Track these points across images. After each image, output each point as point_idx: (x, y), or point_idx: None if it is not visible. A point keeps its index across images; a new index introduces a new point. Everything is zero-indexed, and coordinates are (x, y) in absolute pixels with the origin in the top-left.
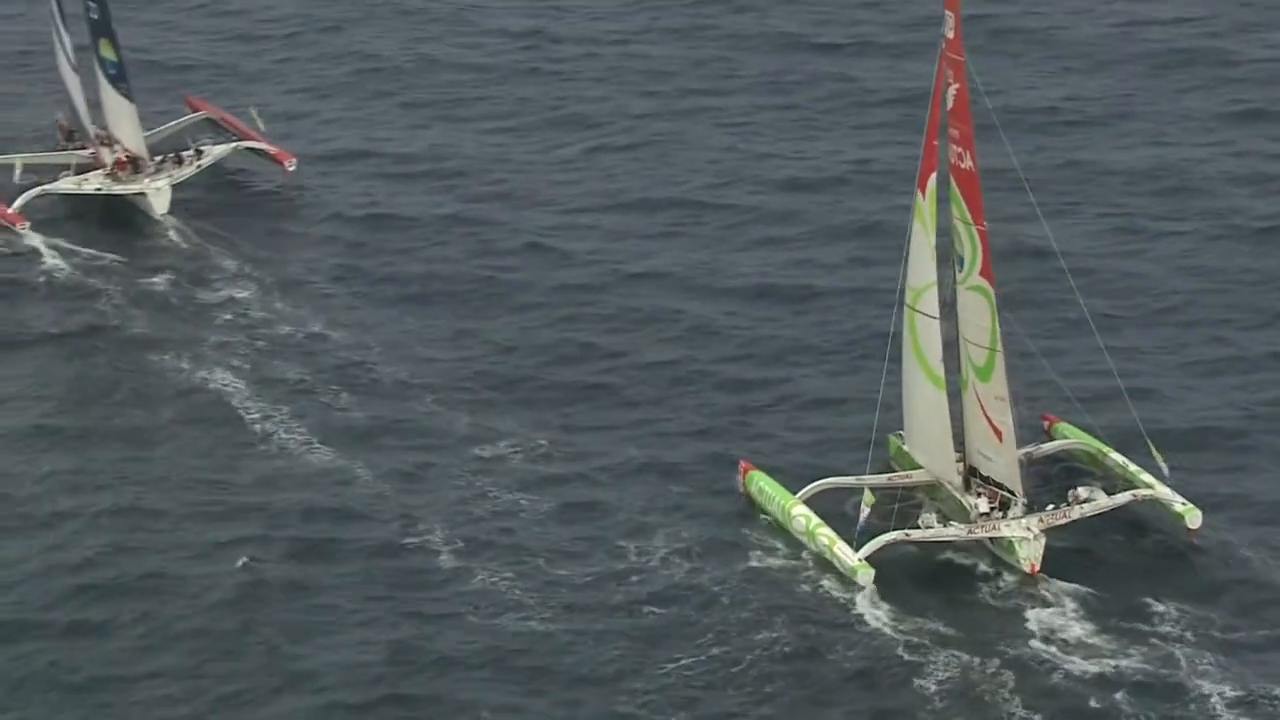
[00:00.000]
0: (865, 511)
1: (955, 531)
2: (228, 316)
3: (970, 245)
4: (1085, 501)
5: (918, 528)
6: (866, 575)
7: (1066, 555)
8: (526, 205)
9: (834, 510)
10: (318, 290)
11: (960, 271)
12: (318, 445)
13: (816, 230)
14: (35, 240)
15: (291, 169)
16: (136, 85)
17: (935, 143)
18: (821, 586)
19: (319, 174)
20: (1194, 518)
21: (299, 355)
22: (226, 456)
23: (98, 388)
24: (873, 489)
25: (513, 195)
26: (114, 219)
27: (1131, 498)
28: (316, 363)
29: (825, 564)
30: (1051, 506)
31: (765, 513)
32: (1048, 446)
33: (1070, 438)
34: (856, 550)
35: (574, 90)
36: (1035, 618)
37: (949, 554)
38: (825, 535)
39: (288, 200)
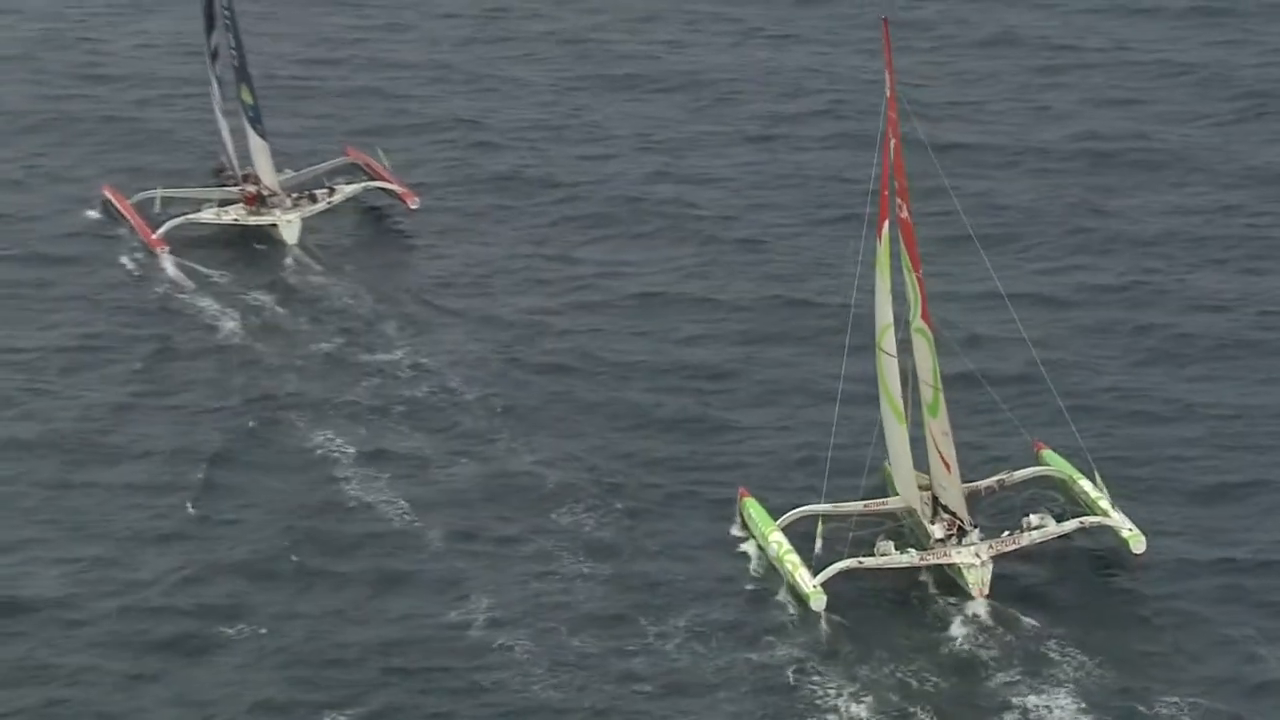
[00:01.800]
0: (819, 542)
1: (908, 559)
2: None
3: (912, 290)
4: (1035, 528)
5: (872, 555)
6: (819, 601)
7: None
8: None
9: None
10: (438, 332)
11: (909, 314)
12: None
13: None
14: (168, 262)
15: (415, 207)
16: (290, 127)
17: (885, 193)
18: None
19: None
20: (1138, 543)
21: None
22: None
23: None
24: (848, 515)
25: None
26: (245, 248)
27: (1079, 524)
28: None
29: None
30: (1007, 533)
31: (753, 538)
32: (1020, 474)
33: (1049, 465)
34: (814, 576)
35: None
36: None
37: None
38: (791, 561)
39: (413, 238)
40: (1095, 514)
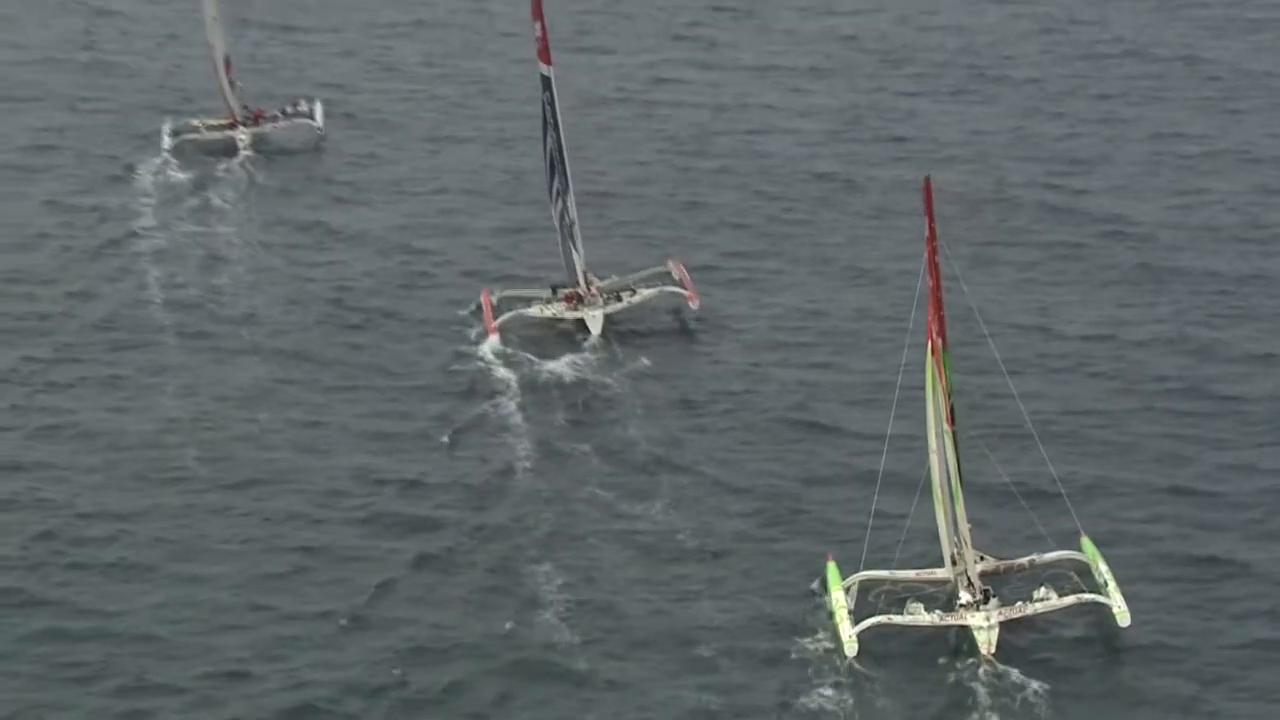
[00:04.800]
0: (855, 599)
1: (930, 619)
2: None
3: (934, 403)
4: (1040, 600)
5: (900, 613)
6: (851, 648)
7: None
8: None
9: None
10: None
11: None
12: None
13: None
14: (494, 343)
15: (695, 306)
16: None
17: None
18: None
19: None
20: (1124, 618)
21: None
22: None
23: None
24: (901, 581)
25: None
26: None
27: (1076, 599)
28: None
29: None
30: (1020, 603)
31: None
32: (1049, 555)
33: (1082, 551)
34: (853, 627)
35: None
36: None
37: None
38: (840, 614)
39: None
40: (1096, 593)
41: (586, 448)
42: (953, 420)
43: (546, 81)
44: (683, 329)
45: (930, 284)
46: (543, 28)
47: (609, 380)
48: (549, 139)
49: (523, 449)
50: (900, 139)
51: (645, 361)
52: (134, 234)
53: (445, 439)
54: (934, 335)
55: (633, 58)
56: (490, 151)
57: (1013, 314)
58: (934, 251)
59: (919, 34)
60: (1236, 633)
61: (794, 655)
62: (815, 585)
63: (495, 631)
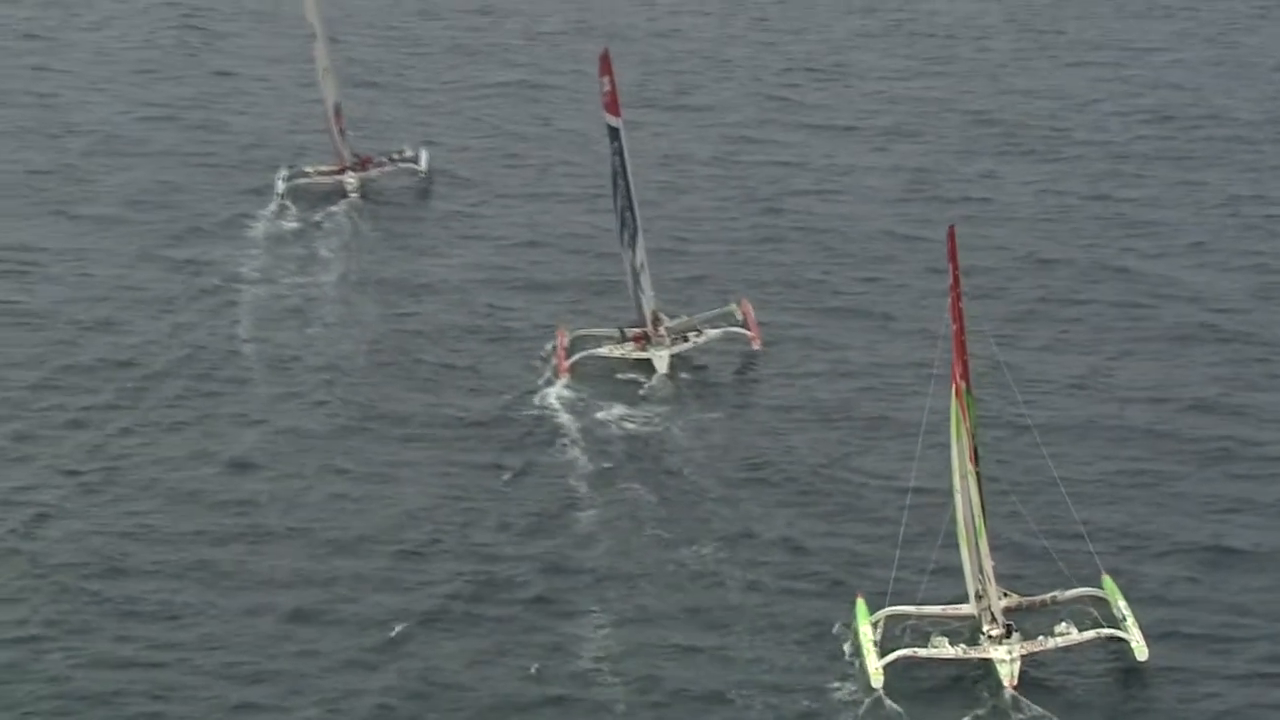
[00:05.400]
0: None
1: (954, 652)
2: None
3: (959, 445)
4: (1060, 634)
5: (925, 646)
6: (878, 679)
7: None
8: None
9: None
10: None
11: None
12: None
13: None
14: (564, 382)
15: (757, 347)
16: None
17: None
18: None
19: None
20: (1142, 652)
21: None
22: None
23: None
24: (927, 616)
25: None
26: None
27: (1095, 634)
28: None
29: None
30: (1042, 637)
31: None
32: (1071, 592)
33: (1101, 589)
34: (879, 660)
35: None
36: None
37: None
38: (867, 648)
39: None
40: (1114, 628)
41: (642, 490)
42: (976, 460)
43: (615, 132)
44: (745, 373)
45: (954, 329)
46: (611, 83)
47: (668, 423)
48: (619, 186)
49: (581, 488)
50: (970, 199)
51: (705, 405)
52: (237, 283)
53: (506, 478)
54: (957, 378)
55: (723, 115)
56: (584, 207)
57: (1051, 372)
58: (958, 297)
59: (1002, 97)
60: (1250, 670)
61: (827, 691)
62: (840, 625)
63: (522, 672)
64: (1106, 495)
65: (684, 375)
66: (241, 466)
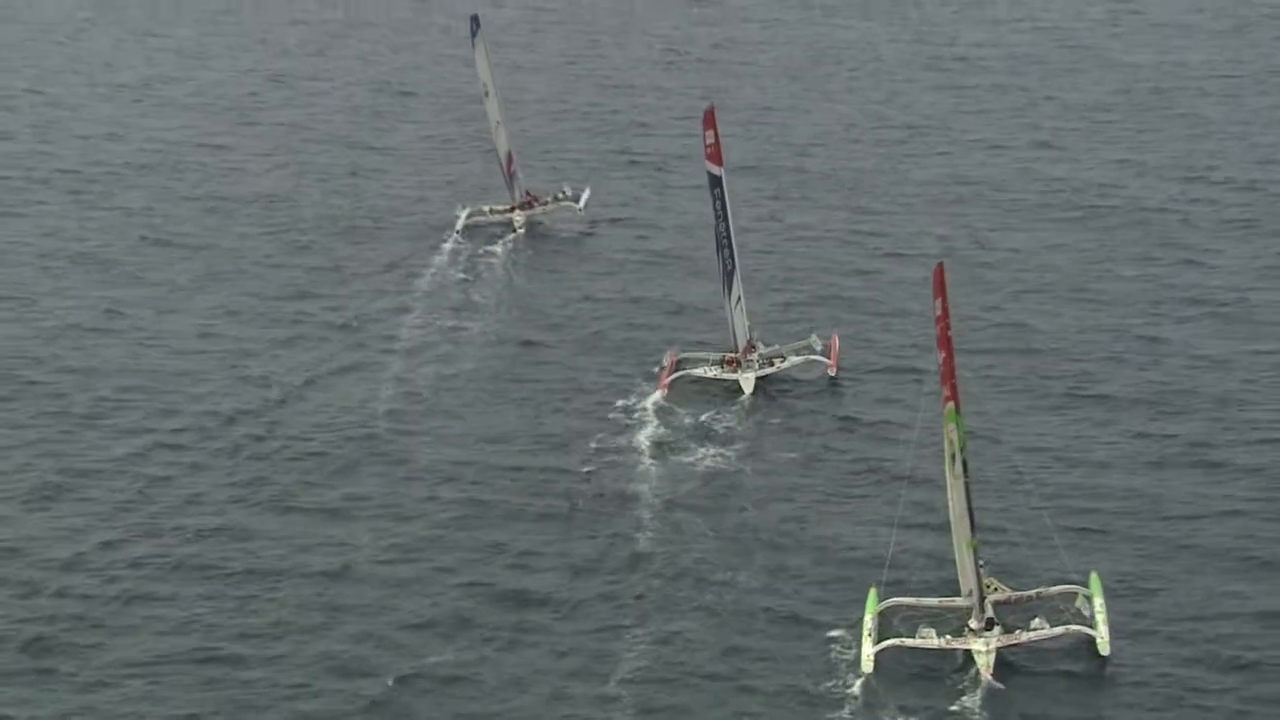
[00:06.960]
0: (878, 621)
1: (938, 642)
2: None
3: (949, 444)
4: (1034, 630)
5: (913, 636)
6: (869, 665)
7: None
8: None
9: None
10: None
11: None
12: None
13: None
14: (659, 397)
15: (832, 373)
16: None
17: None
18: None
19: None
20: (1105, 648)
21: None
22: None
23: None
24: (925, 608)
25: None
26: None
27: (1065, 630)
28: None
29: None
30: (1019, 630)
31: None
32: (1054, 589)
33: (1087, 586)
34: (873, 647)
35: None
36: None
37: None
38: (866, 635)
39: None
40: (1084, 624)
41: (701, 523)
42: (966, 472)
43: (716, 180)
44: (823, 404)
45: (942, 356)
46: (715, 136)
47: (741, 448)
48: (719, 227)
49: (647, 513)
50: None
51: (779, 431)
52: (397, 329)
53: (574, 506)
54: (947, 401)
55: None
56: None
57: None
58: (946, 327)
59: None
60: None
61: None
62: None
63: (546, 691)
64: (1093, 497)
65: (768, 395)
66: (356, 500)
